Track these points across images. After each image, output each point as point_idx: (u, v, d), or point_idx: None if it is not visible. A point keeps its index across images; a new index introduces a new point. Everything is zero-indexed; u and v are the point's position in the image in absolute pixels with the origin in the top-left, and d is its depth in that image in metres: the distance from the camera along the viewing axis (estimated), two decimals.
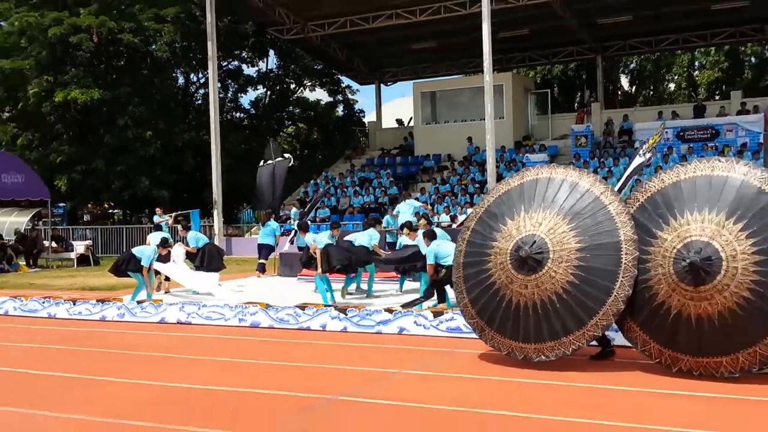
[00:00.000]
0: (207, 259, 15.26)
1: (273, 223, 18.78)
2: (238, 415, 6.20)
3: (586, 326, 7.43)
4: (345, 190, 30.03)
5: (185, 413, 6.29)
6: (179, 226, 17.80)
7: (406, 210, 18.53)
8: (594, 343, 7.76)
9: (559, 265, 7.63)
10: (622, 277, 7.37)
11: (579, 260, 7.61)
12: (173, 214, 21.07)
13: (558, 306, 7.60)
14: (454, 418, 6.01)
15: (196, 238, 16.16)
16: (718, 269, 6.91)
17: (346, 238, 14.26)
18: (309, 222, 18.99)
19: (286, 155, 22.80)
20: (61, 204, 36.51)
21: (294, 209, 27.22)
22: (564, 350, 7.51)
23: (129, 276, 14.11)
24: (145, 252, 13.98)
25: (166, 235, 16.95)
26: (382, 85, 38.89)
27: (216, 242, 27.35)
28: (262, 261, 18.17)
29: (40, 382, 7.76)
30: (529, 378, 7.22)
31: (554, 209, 7.97)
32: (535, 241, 7.74)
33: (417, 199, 22.91)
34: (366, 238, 13.63)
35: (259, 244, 18.38)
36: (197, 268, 15.22)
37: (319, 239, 13.24)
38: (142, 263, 13.64)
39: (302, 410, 6.32)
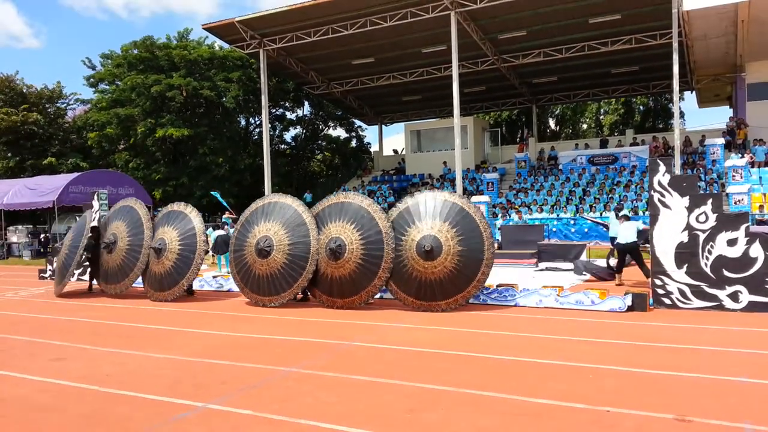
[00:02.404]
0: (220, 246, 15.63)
1: None
2: (285, 355, 6.26)
3: (292, 287, 9.32)
4: None
5: (249, 354, 6.33)
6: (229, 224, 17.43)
7: None
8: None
9: (279, 252, 9.42)
10: (311, 259, 9.26)
11: (290, 250, 9.39)
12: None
13: (279, 275, 9.38)
14: (429, 355, 6.04)
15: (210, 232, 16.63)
16: (343, 251, 8.98)
17: None
18: None
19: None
20: (159, 208, 36.56)
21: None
22: (282, 300, 9.38)
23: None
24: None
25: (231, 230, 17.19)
26: (383, 125, 38.91)
27: None
28: None
29: (145, 333, 7.82)
30: (475, 329, 7.28)
31: (278, 220, 9.69)
32: (267, 239, 9.48)
33: None
34: None
35: None
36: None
37: None
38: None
39: (329, 350, 6.38)
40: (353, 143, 44.61)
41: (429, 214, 8.95)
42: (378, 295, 9.62)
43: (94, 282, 12.46)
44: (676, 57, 19.96)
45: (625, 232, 10.65)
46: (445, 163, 30.93)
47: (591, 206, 22.49)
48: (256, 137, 39.91)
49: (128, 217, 11.45)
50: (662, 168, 8.41)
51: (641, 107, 44.16)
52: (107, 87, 37.69)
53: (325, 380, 5.26)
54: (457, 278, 8.57)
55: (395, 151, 40.94)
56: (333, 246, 9.02)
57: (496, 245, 9.24)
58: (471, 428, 4.09)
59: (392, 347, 6.51)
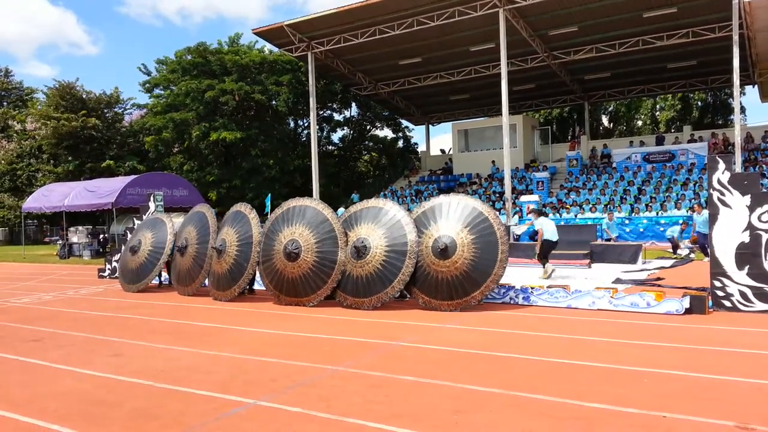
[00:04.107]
0: None
1: None
2: (332, 353, 6.31)
3: (323, 287, 9.37)
4: (404, 199, 30.10)
5: (297, 352, 6.41)
6: None
7: None
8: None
9: (308, 254, 9.49)
10: (339, 260, 9.28)
11: (317, 249, 9.46)
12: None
13: (311, 276, 9.44)
14: (476, 356, 5.97)
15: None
16: (367, 252, 9.14)
17: None
18: None
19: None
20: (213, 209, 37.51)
21: None
22: (317, 299, 9.41)
23: None
24: None
25: None
26: (430, 125, 38.84)
27: None
28: None
29: (198, 330, 8.00)
30: (522, 330, 7.17)
31: (302, 222, 9.78)
32: (294, 242, 9.58)
33: None
34: None
35: None
36: None
37: None
38: None
39: (375, 350, 6.41)
40: (400, 143, 44.72)
41: (447, 216, 9.18)
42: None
43: (164, 279, 13.36)
44: (736, 50, 19.19)
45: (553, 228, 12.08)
46: (493, 162, 30.64)
47: (647, 205, 21.85)
48: (304, 139, 40.49)
49: (199, 224, 11.80)
50: (722, 165, 8.09)
51: (699, 103, 42.68)
52: (162, 92, 38.95)
53: (372, 379, 5.28)
54: (469, 278, 8.66)
55: (442, 151, 40.83)
56: (359, 244, 9.19)
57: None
58: (519, 431, 4.03)
59: (438, 348, 6.47)
